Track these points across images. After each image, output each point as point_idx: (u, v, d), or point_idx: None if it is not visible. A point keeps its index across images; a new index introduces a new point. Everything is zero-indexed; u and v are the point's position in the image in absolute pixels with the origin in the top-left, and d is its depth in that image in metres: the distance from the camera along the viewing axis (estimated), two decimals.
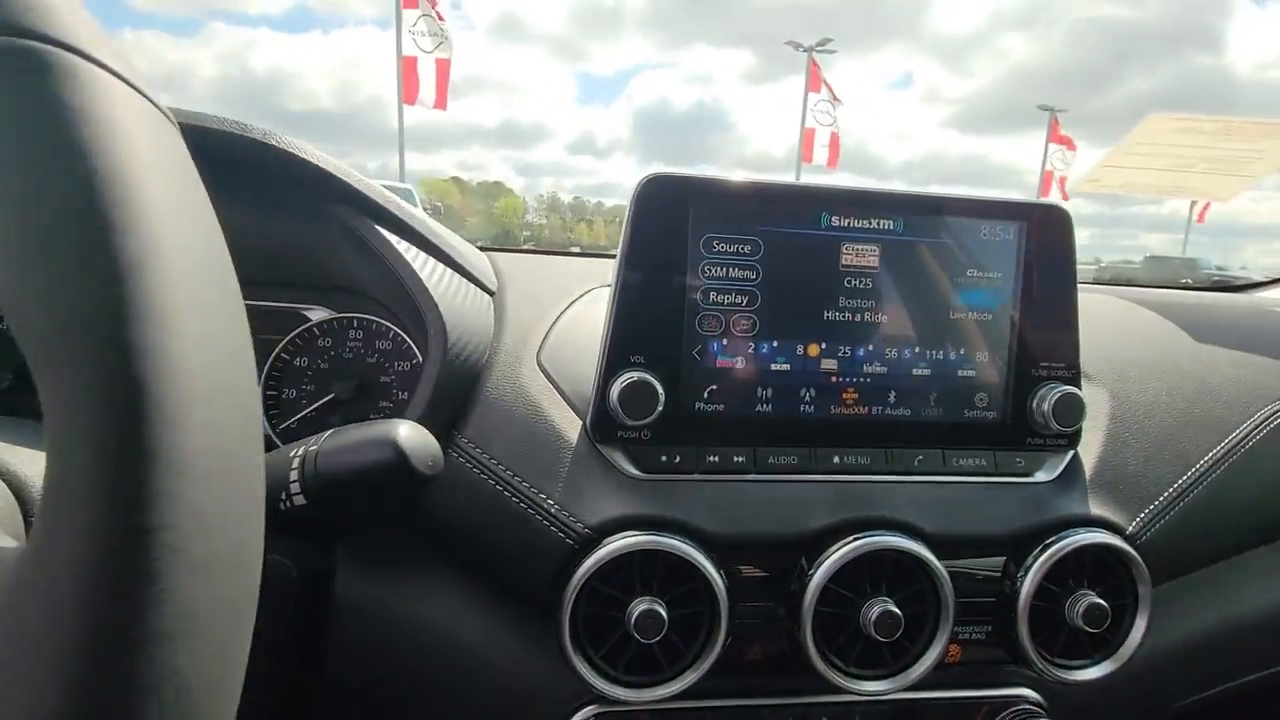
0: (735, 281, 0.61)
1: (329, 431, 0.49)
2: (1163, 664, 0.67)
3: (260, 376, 0.75)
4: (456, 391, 0.61)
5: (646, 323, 0.59)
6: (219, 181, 0.31)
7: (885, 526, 0.59)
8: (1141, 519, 0.64)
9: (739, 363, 0.61)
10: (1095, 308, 0.88)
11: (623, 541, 0.54)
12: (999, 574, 0.62)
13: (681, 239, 0.59)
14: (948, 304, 0.64)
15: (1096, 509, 0.63)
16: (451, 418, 0.60)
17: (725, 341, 0.61)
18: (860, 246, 0.62)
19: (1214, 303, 1.05)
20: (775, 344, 0.62)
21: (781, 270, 0.61)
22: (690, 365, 0.61)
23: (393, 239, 0.61)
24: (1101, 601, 0.59)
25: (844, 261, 0.62)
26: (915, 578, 0.59)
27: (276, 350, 0.77)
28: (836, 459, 0.63)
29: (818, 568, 0.56)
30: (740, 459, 0.61)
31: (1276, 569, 0.71)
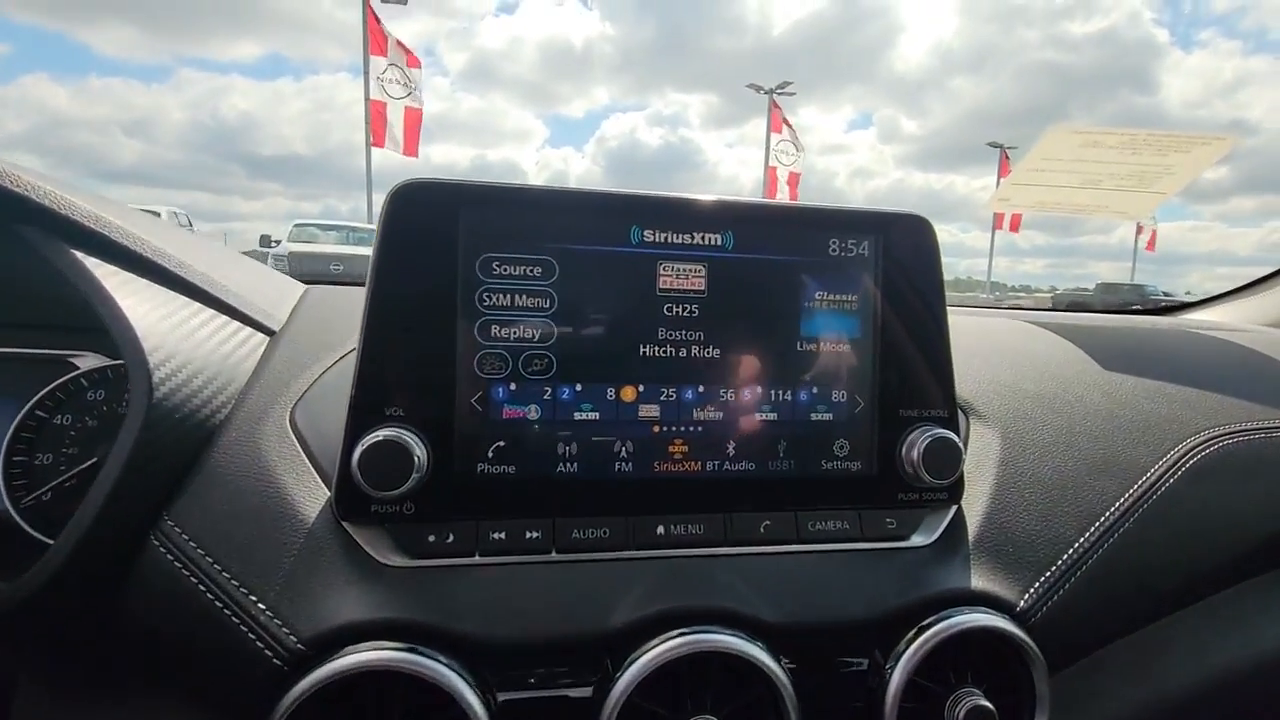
0: (524, 312, 0.49)
1: None
2: None
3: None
4: (167, 457, 0.47)
5: (405, 365, 0.47)
6: None
7: (714, 619, 0.47)
8: (1035, 591, 0.52)
9: (532, 412, 0.49)
10: (990, 333, 0.78)
11: (348, 660, 0.41)
12: (865, 668, 0.50)
13: (450, 261, 0.48)
14: (794, 334, 0.53)
15: (980, 581, 0.52)
16: (158, 490, 0.47)
17: (514, 386, 0.49)
18: (682, 266, 0.51)
19: (1129, 326, 0.96)
20: (579, 388, 0.50)
21: (583, 297, 0.50)
22: (468, 418, 0.48)
23: (88, 263, 0.48)
24: (987, 704, 0.47)
25: (662, 285, 0.51)
26: (751, 683, 0.46)
27: (28, 406, 0.63)
28: (661, 529, 0.50)
29: (618, 679, 0.43)
30: (535, 535, 0.48)
31: (1202, 635, 0.60)
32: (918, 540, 0.54)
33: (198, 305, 0.57)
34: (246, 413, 0.51)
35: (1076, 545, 0.55)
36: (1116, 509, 0.58)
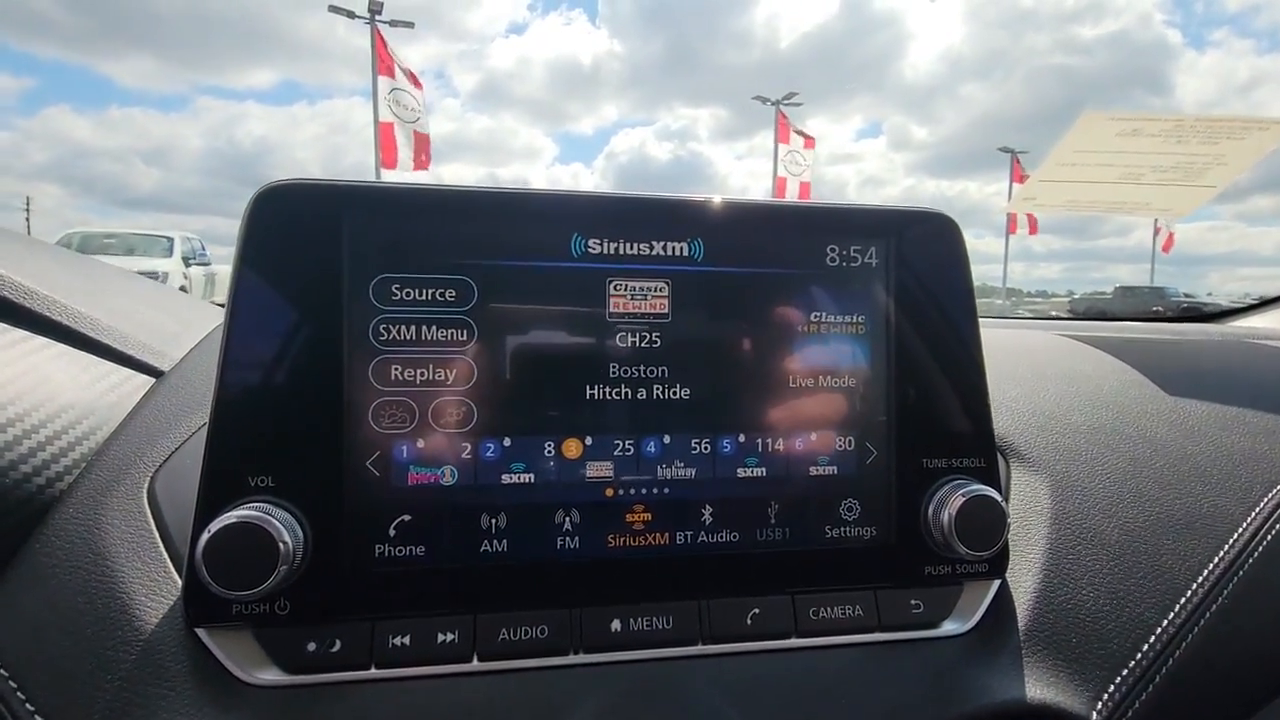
0: (434, 348, 0.38)
1: None
2: None
3: None
4: None
5: (275, 419, 0.36)
6: None
7: None
8: (1111, 697, 0.40)
9: (447, 476, 0.38)
10: (1024, 350, 0.66)
11: None
12: None
13: (333, 284, 0.37)
14: (784, 367, 0.41)
15: (1038, 685, 0.39)
16: None
17: (421, 444, 0.38)
18: (638, 284, 0.40)
19: (1183, 337, 0.84)
20: (507, 443, 0.39)
21: (511, 326, 0.39)
22: (361, 486, 0.37)
23: None
24: None
25: (613, 308, 0.40)
26: None
27: None
28: (616, 625, 0.39)
29: None
30: (450, 637, 0.37)
31: None
32: (951, 628, 0.42)
33: (56, 345, 0.47)
34: (95, 481, 0.41)
35: (1160, 630, 0.43)
36: (1206, 578, 0.45)
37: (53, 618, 0.35)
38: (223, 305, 0.59)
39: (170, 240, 9.95)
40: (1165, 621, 0.43)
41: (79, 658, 0.34)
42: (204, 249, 10.88)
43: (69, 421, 0.43)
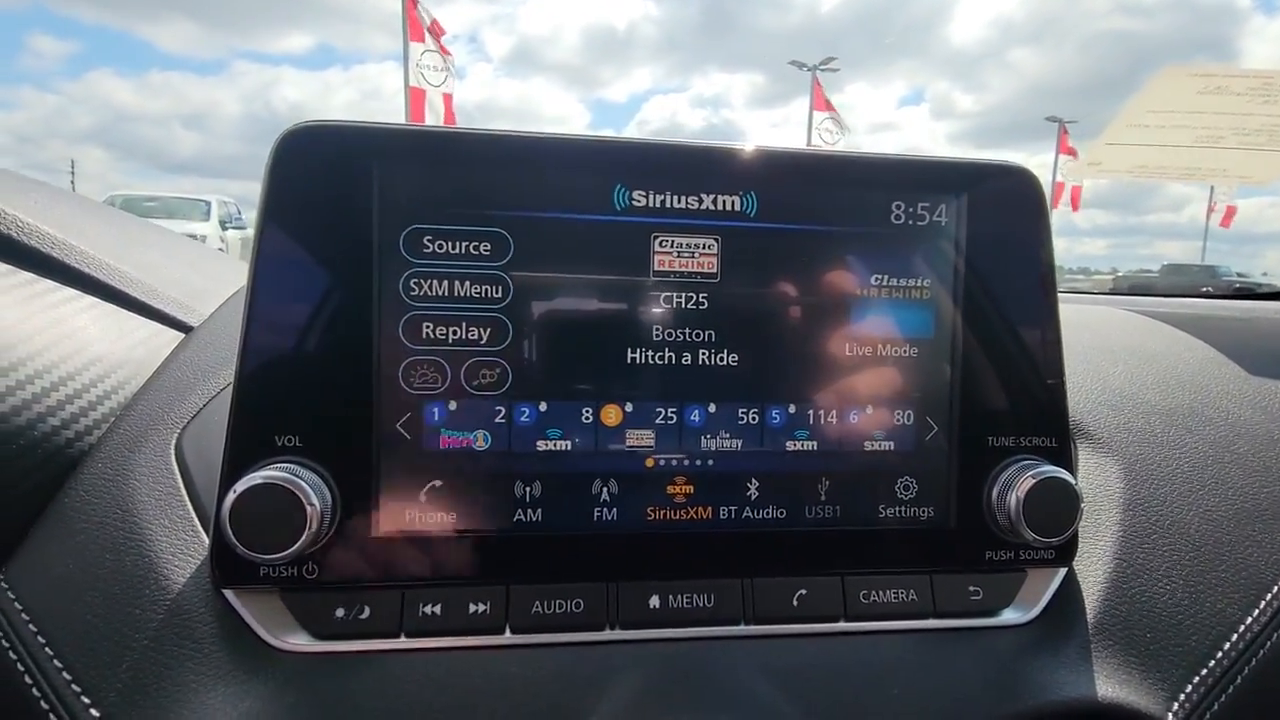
0: (468, 305, 0.36)
1: None
2: None
3: None
4: (8, 493, 0.36)
5: (302, 377, 0.34)
6: None
7: None
8: (1189, 698, 0.37)
9: (480, 440, 0.36)
10: (1088, 325, 0.62)
11: None
12: None
13: (363, 235, 0.35)
14: (841, 333, 0.38)
15: (1108, 683, 0.37)
16: None
17: (454, 405, 0.36)
18: (685, 240, 0.37)
19: (1258, 315, 0.78)
20: (543, 407, 0.37)
21: (549, 283, 0.36)
22: (391, 449, 0.35)
23: None
24: None
25: (658, 266, 0.37)
26: None
27: None
28: (655, 601, 0.37)
29: None
30: (482, 608, 0.36)
31: None
32: (1012, 617, 0.39)
33: (86, 297, 0.46)
34: (123, 436, 0.40)
35: (1243, 628, 0.39)
36: None
37: (81, 574, 0.35)
38: None
39: (208, 204, 10.12)
40: (1249, 619, 0.40)
41: (107, 615, 0.33)
42: (240, 213, 11.05)
43: (97, 375, 0.42)
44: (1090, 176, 0.95)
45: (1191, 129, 0.87)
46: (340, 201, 0.34)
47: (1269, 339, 0.65)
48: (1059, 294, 0.39)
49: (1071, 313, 0.68)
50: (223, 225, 9.97)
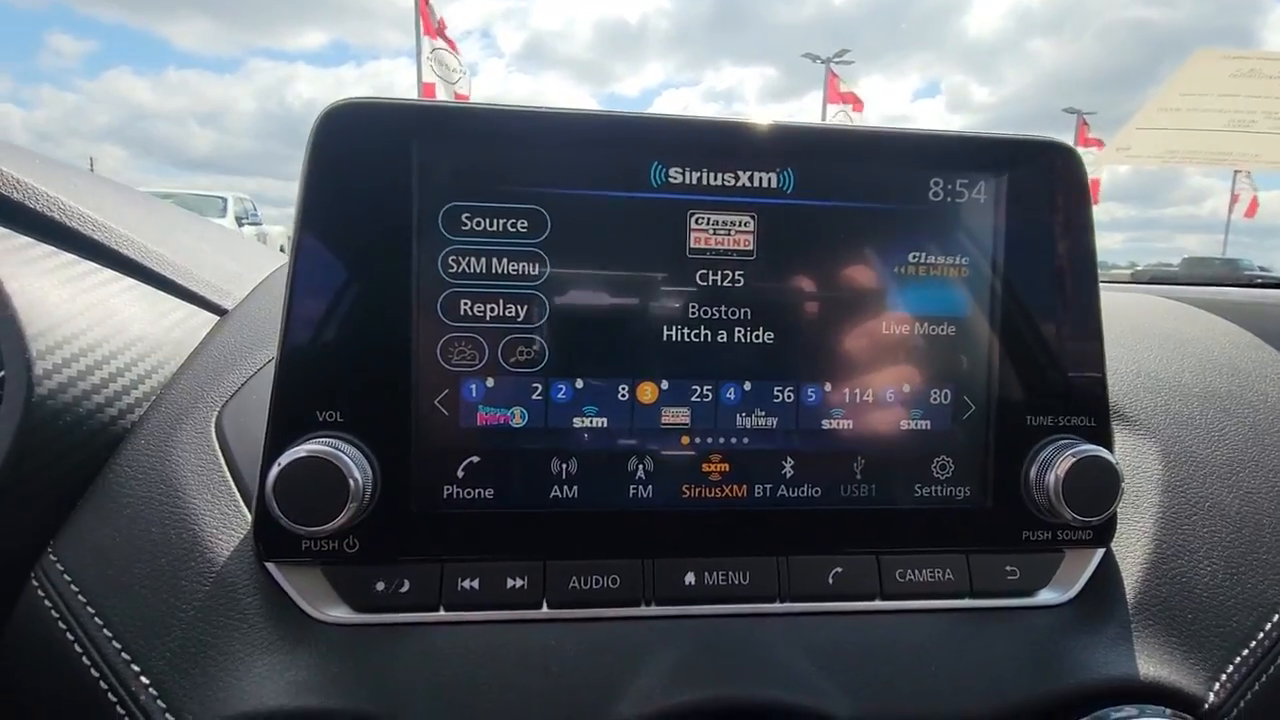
0: (505, 282, 0.36)
1: None
2: None
3: None
4: (53, 471, 0.37)
5: (343, 354, 0.35)
6: None
7: (765, 715, 0.33)
8: (1229, 679, 0.37)
9: (517, 417, 0.36)
10: (1123, 311, 0.61)
11: None
12: None
13: (403, 212, 0.35)
14: (877, 311, 0.38)
15: (1148, 663, 0.36)
16: (41, 514, 0.36)
17: (491, 383, 0.36)
18: (722, 218, 0.37)
19: None
20: (579, 384, 0.37)
21: (585, 260, 0.36)
22: (430, 424, 0.36)
23: None
24: None
25: (695, 243, 0.37)
26: None
27: None
28: (690, 578, 0.37)
29: None
30: (519, 583, 0.36)
31: None
32: (1049, 597, 0.39)
33: (125, 279, 0.46)
34: (164, 414, 0.40)
35: None
36: None
37: (127, 548, 0.35)
38: (282, 255, 0.58)
39: (224, 200, 10.22)
40: None
41: (154, 587, 0.34)
42: (255, 209, 11.15)
43: (138, 354, 0.43)
44: (1119, 162, 0.94)
45: (1223, 113, 0.86)
46: (380, 179, 0.35)
47: None
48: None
49: (1106, 299, 0.67)
50: (238, 222, 10.06)
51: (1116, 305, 0.64)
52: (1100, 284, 0.39)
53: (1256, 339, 0.57)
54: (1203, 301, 0.66)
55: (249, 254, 0.63)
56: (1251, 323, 0.60)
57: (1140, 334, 0.56)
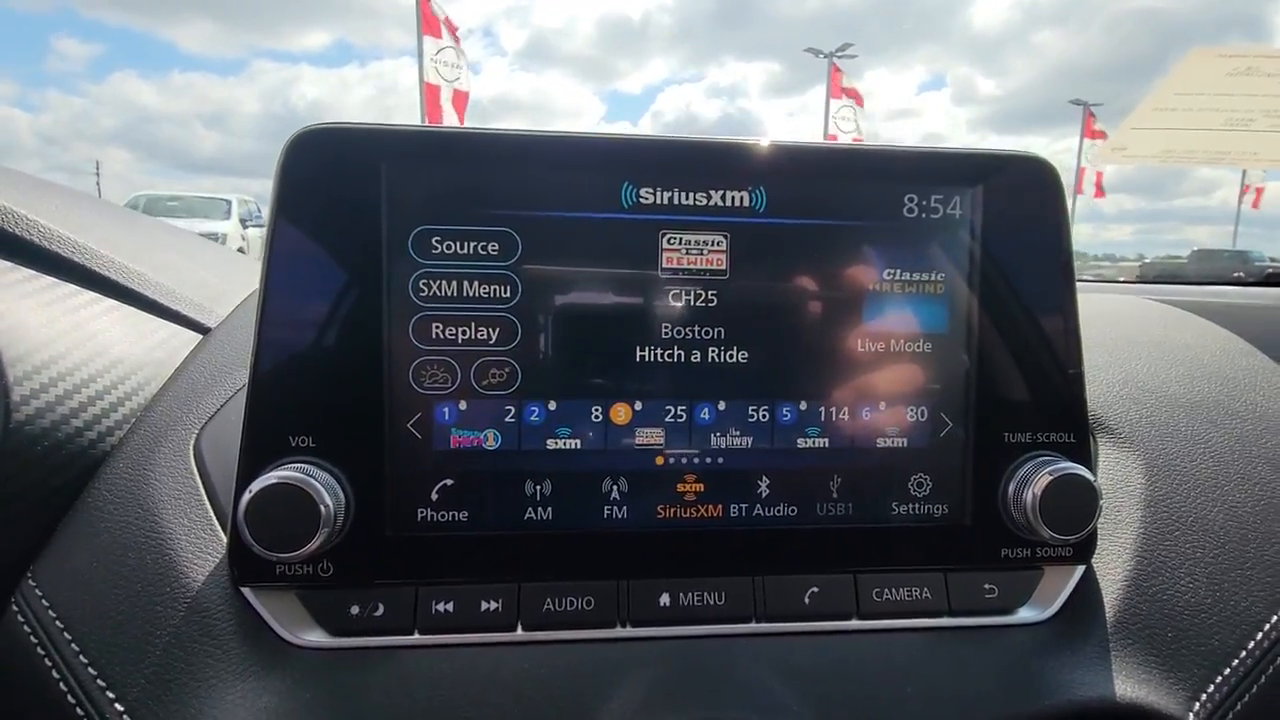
0: (476, 304, 0.36)
1: None
2: None
3: None
4: (32, 496, 0.37)
5: (314, 378, 0.35)
6: None
7: None
8: (1210, 699, 0.36)
9: (490, 439, 0.36)
10: (1112, 316, 0.60)
11: None
12: None
13: (372, 236, 0.35)
14: (853, 328, 0.38)
15: (1126, 682, 0.36)
16: (20, 539, 0.36)
17: (464, 405, 0.36)
18: (694, 238, 0.37)
19: None
20: (553, 406, 0.37)
21: (556, 282, 0.36)
22: (402, 448, 0.36)
23: None
24: None
25: (667, 263, 0.37)
26: None
27: None
28: (665, 599, 0.37)
29: None
30: (494, 606, 0.36)
31: None
32: (1028, 616, 0.39)
33: (106, 300, 0.47)
34: (143, 437, 0.41)
35: (1269, 627, 0.38)
36: None
37: (104, 573, 0.35)
38: None
39: (229, 203, 10.27)
40: (1275, 617, 0.39)
41: (130, 613, 0.34)
42: (259, 211, 11.19)
43: (118, 377, 0.43)
44: (1115, 162, 0.93)
45: (1220, 111, 0.85)
46: (349, 203, 0.35)
47: None
48: (1083, 282, 0.39)
49: (1096, 303, 0.67)
50: (243, 223, 10.11)
51: (1108, 309, 0.63)
52: (1095, 286, 0.39)
53: (1249, 346, 0.57)
54: (1198, 306, 0.66)
55: (234, 270, 0.63)
56: (1242, 327, 0.59)
57: (1130, 341, 0.55)
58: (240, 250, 9.70)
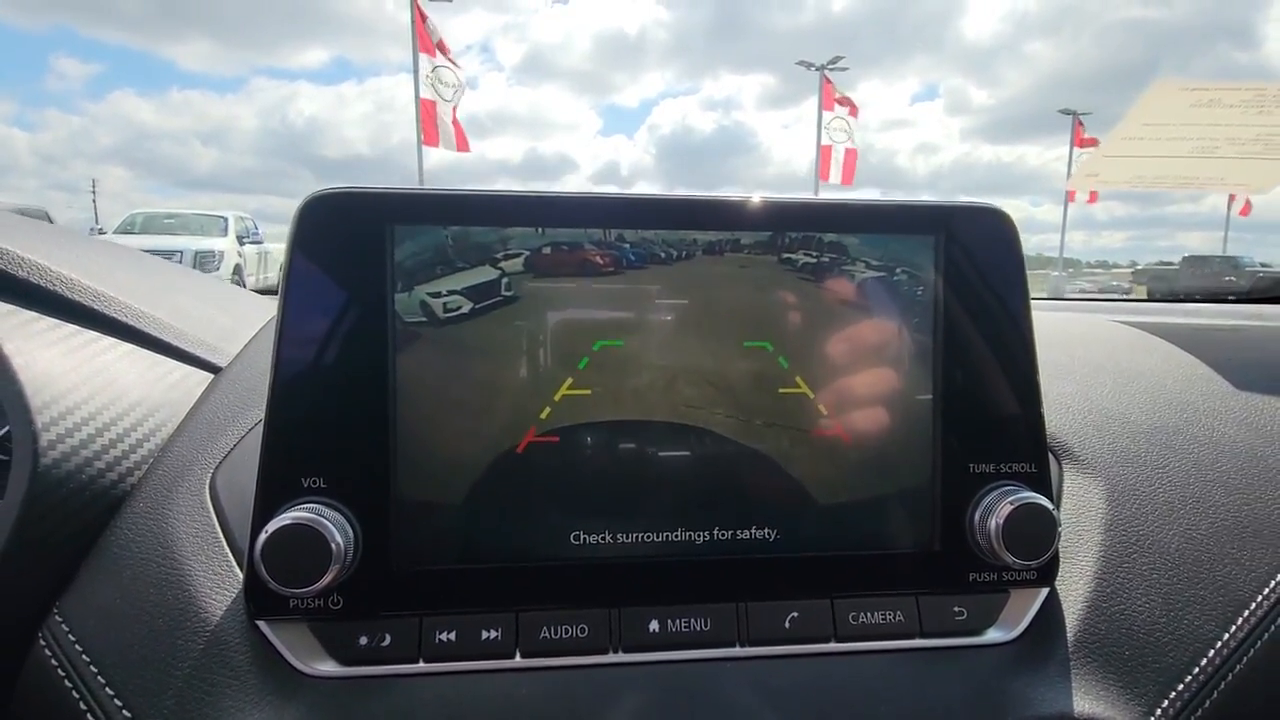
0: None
1: None
2: None
3: None
4: (59, 536, 0.39)
5: (326, 423, 0.37)
6: None
7: None
8: (1165, 712, 0.39)
9: None
10: (1080, 340, 0.63)
11: None
12: None
13: (379, 293, 0.38)
14: (824, 369, 0.41)
15: (1086, 697, 0.38)
16: (47, 578, 0.39)
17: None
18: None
19: (1260, 323, 0.79)
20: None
21: (561, 341, 0.39)
22: (406, 490, 0.38)
23: None
24: None
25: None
26: None
27: None
28: (655, 625, 0.39)
29: None
30: (493, 634, 0.38)
31: None
32: (995, 636, 0.41)
33: (124, 344, 0.49)
34: (161, 477, 0.43)
35: (1220, 644, 0.41)
36: (1273, 589, 0.43)
37: (127, 608, 0.38)
38: (273, 289, 0.61)
39: (225, 220, 10.28)
40: (1226, 635, 0.41)
41: (153, 646, 0.37)
42: (257, 228, 11.21)
43: (138, 418, 0.45)
44: (1089, 187, 0.97)
45: (1186, 140, 0.89)
46: (358, 261, 0.37)
47: (1263, 350, 0.66)
48: (1057, 301, 0.41)
49: (1063, 324, 0.70)
50: (239, 240, 10.13)
51: (1076, 334, 0.66)
52: (1065, 305, 0.41)
53: (1210, 371, 0.60)
54: (1158, 326, 0.69)
55: (240, 307, 0.65)
56: (1204, 351, 0.62)
57: (1095, 367, 0.58)
58: (238, 266, 9.69)
